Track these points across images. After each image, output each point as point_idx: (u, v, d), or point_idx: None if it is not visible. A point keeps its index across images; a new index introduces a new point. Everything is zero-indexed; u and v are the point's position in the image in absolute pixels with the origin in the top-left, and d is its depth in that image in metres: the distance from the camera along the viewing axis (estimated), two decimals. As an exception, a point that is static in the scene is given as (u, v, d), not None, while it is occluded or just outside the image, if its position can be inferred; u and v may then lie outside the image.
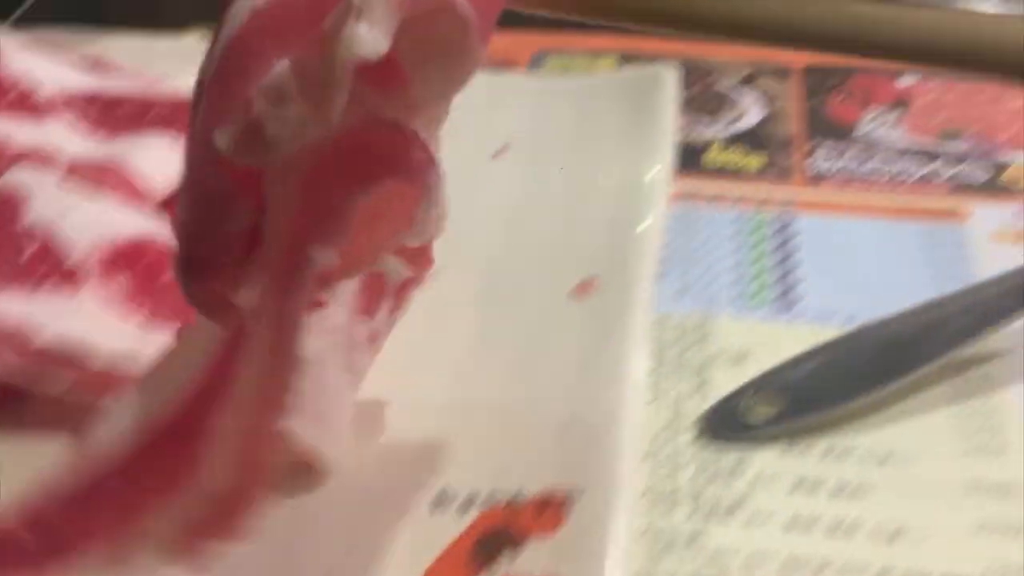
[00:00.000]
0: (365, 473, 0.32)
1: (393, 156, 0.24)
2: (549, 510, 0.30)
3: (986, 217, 0.43)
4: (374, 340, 0.31)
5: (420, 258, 0.30)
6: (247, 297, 0.25)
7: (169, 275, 0.37)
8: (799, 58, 0.51)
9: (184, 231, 0.26)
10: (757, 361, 0.37)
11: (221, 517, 0.26)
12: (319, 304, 0.26)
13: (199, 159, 0.24)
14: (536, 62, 0.53)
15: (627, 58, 0.53)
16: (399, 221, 0.26)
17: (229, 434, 0.26)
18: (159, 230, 0.38)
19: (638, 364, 0.33)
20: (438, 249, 0.39)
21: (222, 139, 0.22)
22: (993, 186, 0.44)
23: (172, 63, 0.48)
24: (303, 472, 0.30)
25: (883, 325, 0.36)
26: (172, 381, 0.30)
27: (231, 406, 0.26)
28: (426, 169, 0.25)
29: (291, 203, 0.24)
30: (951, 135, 0.47)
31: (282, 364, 0.25)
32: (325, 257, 0.24)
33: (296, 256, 0.24)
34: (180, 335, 0.32)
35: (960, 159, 0.45)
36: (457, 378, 0.35)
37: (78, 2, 0.58)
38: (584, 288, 0.36)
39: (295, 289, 0.25)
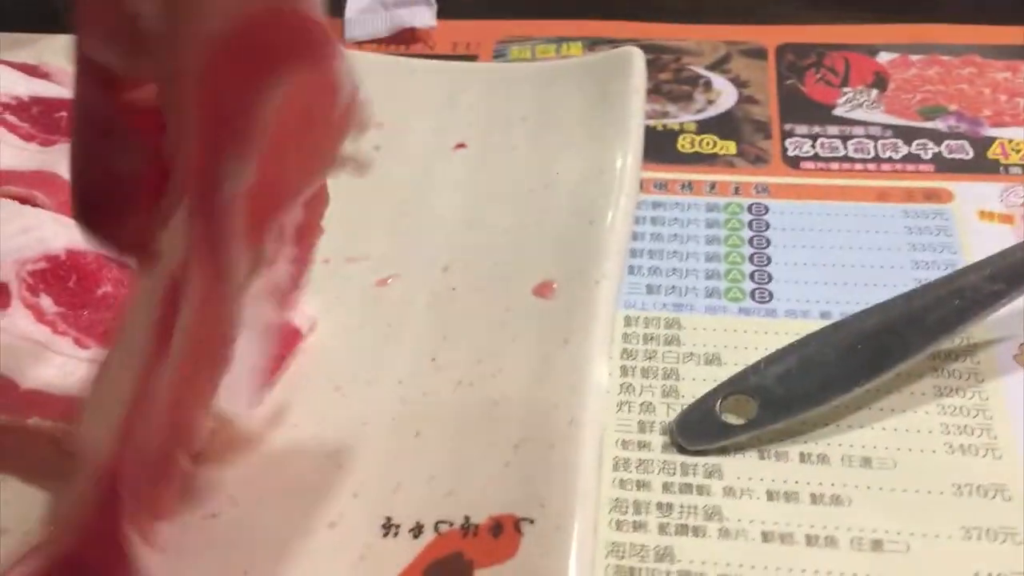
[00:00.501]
0: (311, 495, 0.31)
1: (292, 42, 0.22)
2: (505, 534, 0.28)
3: (972, 196, 0.40)
4: (278, 295, 0.27)
5: (315, 200, 0.27)
6: (171, 242, 0.23)
7: (104, 289, 0.35)
8: (770, 39, 0.49)
9: (76, 170, 0.23)
10: (730, 361, 0.35)
11: (152, 484, 0.24)
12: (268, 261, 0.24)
13: (82, 82, 0.22)
14: (501, 51, 0.51)
15: (594, 43, 0.50)
16: (323, 130, 0.24)
17: (163, 394, 0.23)
18: (94, 242, 0.36)
19: (600, 371, 0.31)
20: (395, 251, 0.38)
21: (101, 48, 0.20)
22: (979, 164, 0.42)
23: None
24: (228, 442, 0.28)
25: (861, 318, 0.34)
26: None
27: (168, 364, 0.23)
28: (329, 49, 0.23)
29: (194, 118, 0.21)
30: (933, 112, 0.44)
31: (218, 312, 0.23)
32: (242, 171, 0.21)
33: (211, 175, 0.21)
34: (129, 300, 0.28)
35: (941, 138, 0.43)
36: (409, 392, 0.33)
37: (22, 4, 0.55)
38: (545, 288, 0.34)
39: (220, 216, 0.22)
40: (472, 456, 0.30)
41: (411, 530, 0.29)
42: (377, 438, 0.32)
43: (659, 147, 0.43)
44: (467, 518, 0.29)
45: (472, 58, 0.51)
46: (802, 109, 0.45)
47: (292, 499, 0.31)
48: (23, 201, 0.37)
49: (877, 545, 0.29)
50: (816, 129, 0.44)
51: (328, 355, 0.35)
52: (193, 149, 0.22)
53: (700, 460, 0.32)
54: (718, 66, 0.48)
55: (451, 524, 0.29)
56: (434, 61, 0.46)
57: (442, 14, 0.52)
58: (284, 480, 0.31)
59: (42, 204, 0.37)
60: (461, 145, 0.41)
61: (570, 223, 0.36)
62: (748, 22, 0.51)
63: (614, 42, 0.50)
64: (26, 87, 0.43)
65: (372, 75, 0.43)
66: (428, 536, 0.29)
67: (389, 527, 0.29)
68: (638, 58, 0.41)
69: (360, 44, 0.52)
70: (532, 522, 0.28)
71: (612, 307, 0.33)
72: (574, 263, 0.35)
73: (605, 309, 0.33)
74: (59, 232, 0.35)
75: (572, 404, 0.30)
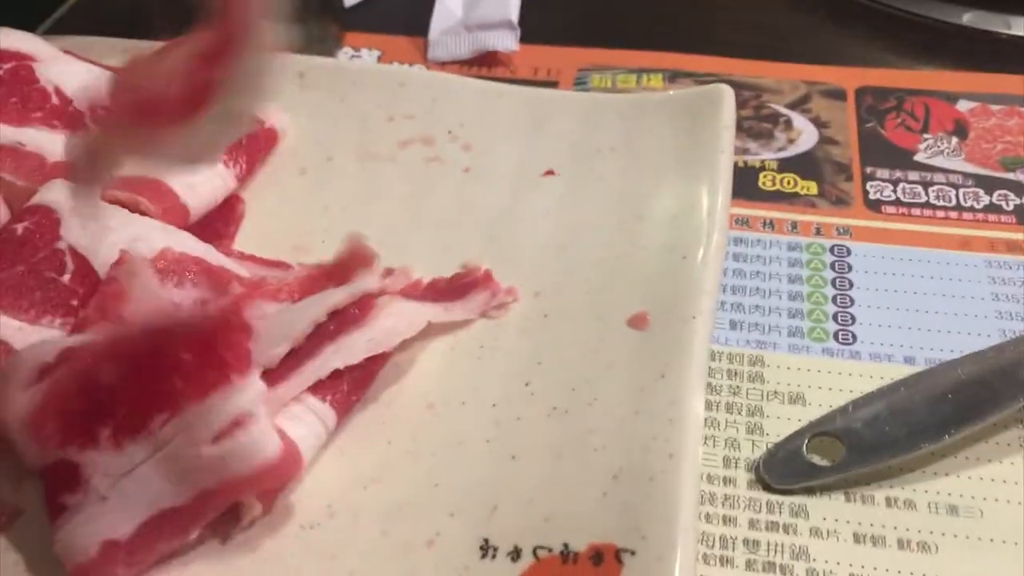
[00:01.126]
0: (408, 512, 0.31)
1: None
2: (605, 563, 0.28)
3: (1051, 251, 0.41)
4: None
5: None
6: None
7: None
8: (852, 81, 0.50)
9: None
10: (814, 401, 0.36)
11: None
12: None
13: None
14: (581, 78, 0.52)
15: (674, 76, 0.51)
16: None
17: None
18: (197, 247, 0.37)
19: (697, 405, 0.31)
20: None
21: None
22: (1058, 218, 0.42)
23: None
24: None
25: (950, 367, 0.34)
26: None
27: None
28: None
29: None
30: (1014, 163, 0.45)
31: None
32: None
33: None
34: None
35: (1022, 189, 0.44)
36: (503, 415, 0.33)
37: (116, 9, 0.57)
38: (639, 320, 0.35)
39: None
40: (569, 483, 0.31)
41: (509, 553, 0.29)
42: (472, 459, 0.32)
43: (741, 183, 0.44)
44: (566, 545, 0.29)
45: (553, 84, 0.51)
46: (883, 153, 0.46)
47: (389, 514, 0.31)
48: (128, 207, 0.37)
49: (966, 593, 0.30)
50: (897, 174, 0.45)
51: (420, 374, 0.35)
52: None
53: (786, 499, 0.33)
54: (798, 105, 0.49)
55: (550, 550, 0.29)
56: (523, 87, 0.46)
57: (523, 39, 0.53)
58: (380, 495, 0.32)
59: (146, 210, 0.37)
60: (550, 172, 0.42)
61: (662, 257, 0.37)
62: (827, 63, 0.51)
63: (694, 76, 0.51)
64: (126, 93, 0.43)
65: (461, 97, 0.45)
66: (527, 560, 0.29)
67: (487, 549, 0.30)
68: (728, 95, 0.42)
69: (443, 65, 0.53)
70: (633, 553, 0.28)
71: (707, 343, 0.33)
72: (668, 297, 0.35)
73: (700, 345, 0.33)
74: (165, 239, 0.36)
75: (671, 438, 0.31)
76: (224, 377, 0.29)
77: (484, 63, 0.53)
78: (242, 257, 0.39)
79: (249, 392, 0.30)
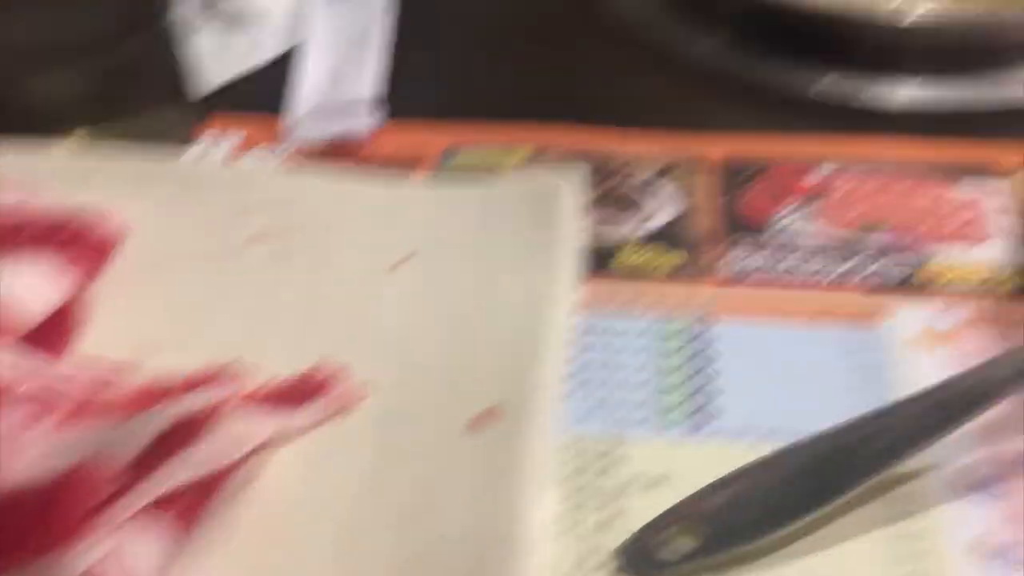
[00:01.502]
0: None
1: None
2: None
3: (905, 318, 0.41)
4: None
5: None
6: None
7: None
8: (714, 150, 0.50)
9: None
10: (675, 485, 0.35)
11: None
12: None
13: None
14: (447, 157, 0.51)
15: (539, 152, 0.51)
16: None
17: None
18: (24, 364, 0.35)
19: (540, 502, 0.31)
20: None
21: None
22: (916, 283, 0.42)
23: (46, 174, 0.45)
24: None
25: (804, 447, 0.34)
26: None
27: None
28: None
29: None
30: (869, 229, 0.45)
31: None
32: None
33: None
34: None
35: (878, 255, 0.44)
36: (344, 534, 0.32)
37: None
38: (482, 419, 0.34)
39: None
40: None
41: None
42: (318, 572, 0.31)
43: (598, 264, 0.43)
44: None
45: (414, 164, 0.50)
46: (742, 224, 0.46)
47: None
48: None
49: None
50: (758, 242, 0.45)
51: (265, 483, 0.34)
52: None
53: (648, 591, 0.32)
54: (661, 176, 0.49)
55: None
56: (374, 177, 0.46)
57: (393, 114, 0.53)
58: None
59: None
60: (401, 263, 0.41)
61: (509, 349, 0.36)
62: (690, 131, 0.52)
63: (560, 150, 0.51)
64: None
65: (310, 190, 0.44)
66: None
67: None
68: (576, 178, 0.42)
69: (304, 150, 0.52)
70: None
71: (554, 436, 0.33)
72: (515, 391, 0.35)
73: (547, 439, 0.32)
74: None
75: (519, 538, 0.30)
76: (60, 539, 0.28)
77: (344, 148, 0.52)
78: (80, 366, 0.37)
79: (87, 558, 0.28)
